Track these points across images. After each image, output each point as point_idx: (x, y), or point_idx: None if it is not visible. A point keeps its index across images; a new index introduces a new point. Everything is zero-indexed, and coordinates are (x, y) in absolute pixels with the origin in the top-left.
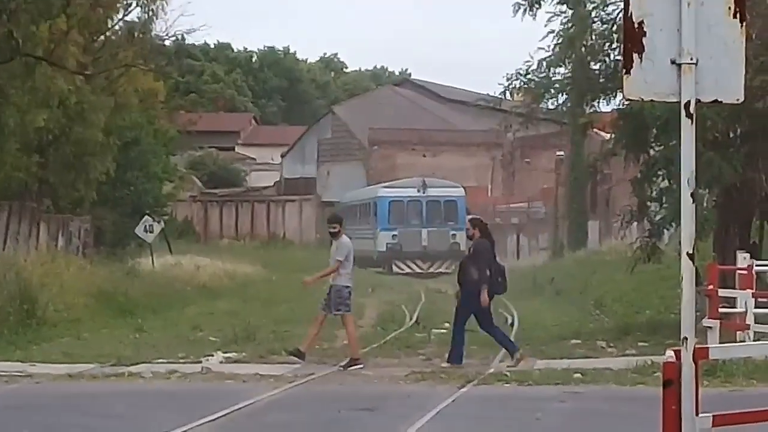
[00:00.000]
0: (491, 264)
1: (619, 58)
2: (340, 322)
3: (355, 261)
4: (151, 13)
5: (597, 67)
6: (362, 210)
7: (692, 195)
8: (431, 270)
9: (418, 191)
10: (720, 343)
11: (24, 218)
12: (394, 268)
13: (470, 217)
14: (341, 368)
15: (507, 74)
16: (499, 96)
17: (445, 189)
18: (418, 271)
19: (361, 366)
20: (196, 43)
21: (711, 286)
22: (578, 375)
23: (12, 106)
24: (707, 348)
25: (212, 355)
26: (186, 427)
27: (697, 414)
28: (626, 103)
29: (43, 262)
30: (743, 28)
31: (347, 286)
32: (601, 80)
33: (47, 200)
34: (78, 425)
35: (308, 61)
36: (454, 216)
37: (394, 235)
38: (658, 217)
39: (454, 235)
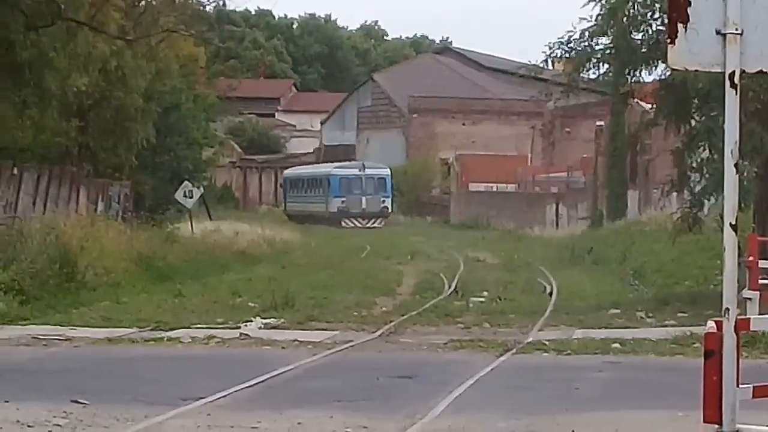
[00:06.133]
0: None
1: (661, 27)
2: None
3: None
4: None
5: (639, 36)
6: (316, 182)
7: (736, 166)
8: (368, 225)
9: (359, 170)
10: (760, 314)
11: (64, 182)
12: (342, 224)
13: None
14: None
15: (549, 43)
16: (541, 64)
17: (378, 169)
18: (359, 226)
19: None
20: (237, 9)
21: (751, 258)
22: (617, 345)
23: (53, 71)
24: (749, 319)
25: (251, 321)
26: (224, 393)
27: (737, 385)
28: (668, 73)
29: (83, 226)
30: None
31: None
32: (643, 50)
33: (87, 165)
34: (116, 389)
35: (349, 29)
36: (384, 188)
37: (342, 201)
38: (698, 188)
39: (384, 201)
